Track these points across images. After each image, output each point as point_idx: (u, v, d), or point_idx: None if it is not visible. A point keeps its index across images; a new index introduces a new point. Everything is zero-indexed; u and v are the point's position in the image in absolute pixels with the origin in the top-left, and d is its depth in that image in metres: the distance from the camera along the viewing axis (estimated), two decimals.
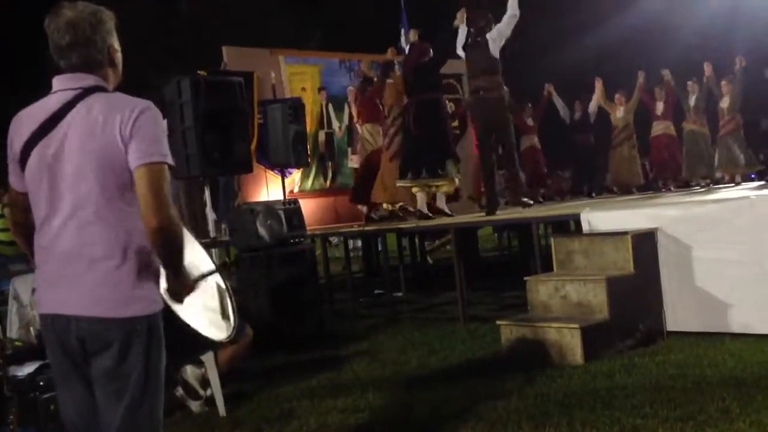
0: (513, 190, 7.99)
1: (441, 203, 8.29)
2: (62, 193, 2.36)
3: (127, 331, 2.34)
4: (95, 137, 2.32)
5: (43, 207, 2.41)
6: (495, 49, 7.71)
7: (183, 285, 2.49)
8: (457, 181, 8.33)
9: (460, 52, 8.01)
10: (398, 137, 8.66)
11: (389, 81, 9.02)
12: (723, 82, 11.10)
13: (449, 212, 8.34)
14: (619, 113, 11.71)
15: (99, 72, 2.44)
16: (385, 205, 9.09)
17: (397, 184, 8.32)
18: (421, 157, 8.04)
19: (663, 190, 11.38)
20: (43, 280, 2.45)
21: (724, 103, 11.11)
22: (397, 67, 9.15)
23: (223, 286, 3.14)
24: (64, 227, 2.36)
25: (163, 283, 2.48)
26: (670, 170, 11.67)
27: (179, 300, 2.52)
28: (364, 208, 9.65)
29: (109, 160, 2.32)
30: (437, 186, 8.19)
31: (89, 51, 2.41)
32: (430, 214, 8.20)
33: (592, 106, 11.94)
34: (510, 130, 7.99)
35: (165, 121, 6.95)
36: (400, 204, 8.77)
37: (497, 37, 7.72)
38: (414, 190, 8.22)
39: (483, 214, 7.97)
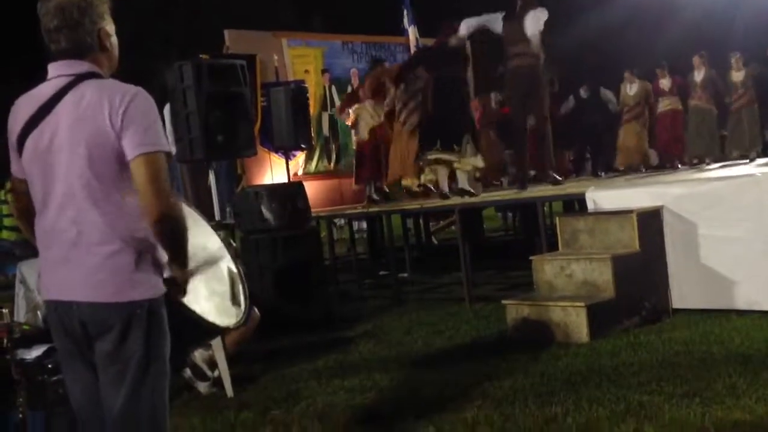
0: (541, 165, 7.76)
1: (463, 183, 7.80)
2: (56, 180, 2.37)
3: (127, 315, 2.34)
4: (85, 124, 2.32)
5: (40, 194, 2.42)
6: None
7: (187, 275, 2.48)
8: (477, 160, 7.88)
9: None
10: (417, 113, 8.29)
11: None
12: (736, 56, 10.92)
13: (472, 191, 7.78)
14: (630, 90, 11.32)
15: (89, 56, 2.43)
16: (410, 181, 8.67)
17: (419, 160, 8.02)
18: (437, 130, 7.80)
19: (669, 168, 11.05)
20: (44, 266, 2.46)
21: (737, 77, 10.88)
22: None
23: (234, 270, 3.11)
24: (60, 214, 2.37)
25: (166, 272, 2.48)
26: (676, 149, 11.34)
27: (182, 291, 2.49)
28: (367, 188, 9.56)
29: (100, 146, 2.32)
30: (456, 163, 7.79)
31: (77, 34, 2.40)
32: (449, 195, 7.86)
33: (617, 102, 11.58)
34: (543, 101, 7.79)
35: (167, 106, 6.96)
36: (419, 183, 8.44)
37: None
38: (432, 166, 7.94)
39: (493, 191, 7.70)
